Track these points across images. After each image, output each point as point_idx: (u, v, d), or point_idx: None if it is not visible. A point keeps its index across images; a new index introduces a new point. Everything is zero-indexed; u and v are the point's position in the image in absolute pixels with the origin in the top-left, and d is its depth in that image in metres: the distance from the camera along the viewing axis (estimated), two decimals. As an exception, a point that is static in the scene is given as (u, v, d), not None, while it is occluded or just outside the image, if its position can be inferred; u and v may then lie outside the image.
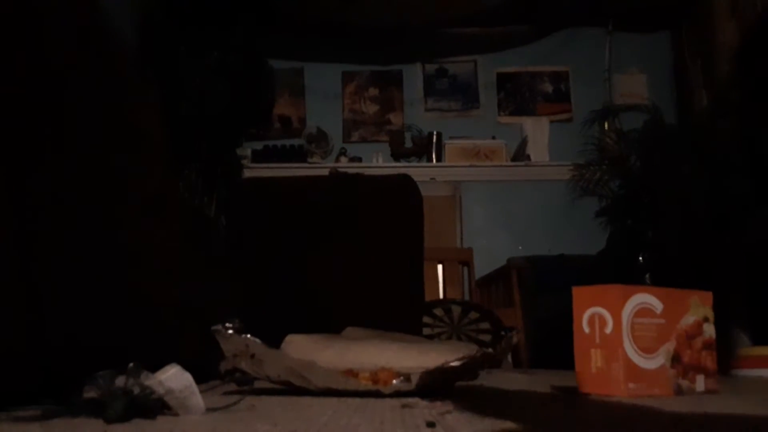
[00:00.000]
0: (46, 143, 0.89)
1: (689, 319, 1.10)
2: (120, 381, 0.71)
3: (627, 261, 2.67)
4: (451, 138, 3.85)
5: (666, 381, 1.05)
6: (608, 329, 1.02)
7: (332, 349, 1.45)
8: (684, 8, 3.59)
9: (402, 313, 1.87)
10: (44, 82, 0.90)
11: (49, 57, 0.92)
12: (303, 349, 1.50)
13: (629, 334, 1.02)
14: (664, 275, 2.46)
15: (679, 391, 1.06)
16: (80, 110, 0.99)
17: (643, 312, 1.04)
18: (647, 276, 2.61)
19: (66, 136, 0.94)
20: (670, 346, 1.06)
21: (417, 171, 3.31)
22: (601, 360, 1.02)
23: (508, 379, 1.59)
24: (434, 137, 3.84)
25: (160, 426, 0.67)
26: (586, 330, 1.04)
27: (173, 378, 0.72)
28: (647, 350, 1.03)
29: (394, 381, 0.99)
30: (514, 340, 1.09)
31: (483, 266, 3.30)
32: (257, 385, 1.12)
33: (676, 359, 1.07)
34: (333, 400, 0.93)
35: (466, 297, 3.26)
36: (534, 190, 3.75)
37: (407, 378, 0.99)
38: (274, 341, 1.58)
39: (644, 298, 1.05)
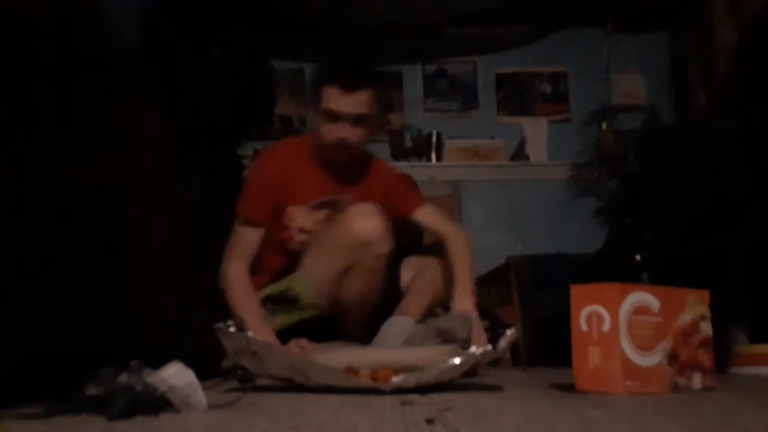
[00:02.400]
0: (46, 143, 0.90)
1: (686, 318, 1.11)
2: (122, 378, 0.72)
3: (625, 260, 2.68)
4: (450, 138, 3.85)
5: (663, 378, 1.06)
6: (606, 327, 1.03)
7: (332, 348, 1.47)
8: (682, 9, 3.60)
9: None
10: (44, 82, 0.91)
11: (49, 57, 0.92)
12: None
13: (627, 331, 1.02)
14: (662, 274, 2.47)
15: (676, 389, 1.07)
16: (81, 110, 0.99)
17: (640, 310, 1.05)
18: (644, 274, 2.62)
19: (66, 136, 0.95)
20: (667, 344, 1.07)
21: (417, 170, 3.31)
22: (598, 357, 1.03)
23: (506, 377, 1.60)
24: (434, 137, 3.84)
25: (163, 422, 0.68)
26: (584, 328, 1.05)
27: (175, 375, 0.73)
28: (644, 348, 1.04)
29: (394, 378, 0.99)
30: (513, 337, 1.09)
31: (482, 265, 3.31)
32: (259, 382, 1.13)
33: (673, 357, 1.07)
34: (334, 397, 0.94)
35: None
36: (533, 190, 3.75)
37: (407, 376, 1.00)
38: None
39: (641, 297, 1.06)
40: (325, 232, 1.66)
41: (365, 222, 1.55)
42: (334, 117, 1.63)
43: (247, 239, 1.66)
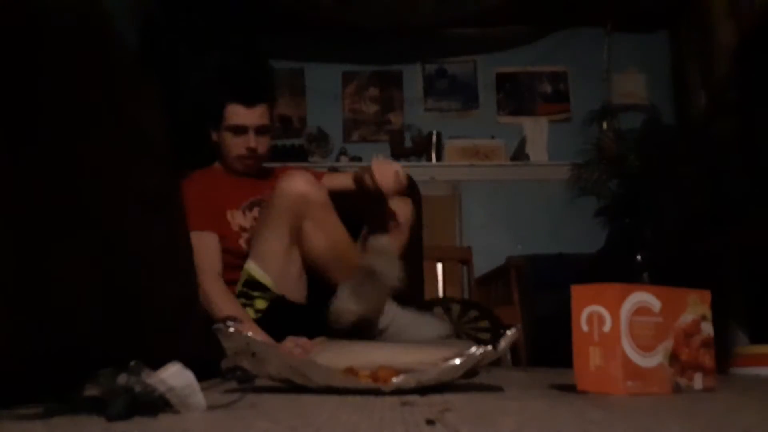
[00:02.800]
0: (46, 143, 0.90)
1: (687, 318, 1.11)
2: (121, 379, 0.72)
3: (625, 260, 2.68)
4: (450, 138, 3.86)
5: (664, 379, 1.06)
6: (606, 327, 1.03)
7: (331, 350, 1.46)
8: (682, 9, 3.60)
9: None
10: (44, 82, 0.91)
11: (49, 57, 0.92)
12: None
13: (627, 332, 1.02)
14: (662, 274, 2.47)
15: (677, 390, 1.07)
16: (80, 110, 0.99)
17: (641, 310, 1.04)
18: (645, 275, 2.62)
19: (66, 137, 0.95)
20: (668, 345, 1.07)
21: (417, 170, 3.31)
22: (599, 358, 1.03)
23: (507, 377, 1.60)
24: (434, 137, 3.85)
25: (162, 423, 0.68)
26: (585, 328, 1.05)
27: (174, 376, 0.73)
28: (645, 348, 1.04)
29: (394, 379, 0.99)
30: (514, 338, 1.09)
31: (482, 265, 3.31)
32: (258, 382, 1.12)
33: (674, 357, 1.07)
34: (333, 398, 0.94)
35: (466, 295, 3.27)
36: (533, 190, 3.75)
37: (407, 376, 1.00)
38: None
39: (642, 297, 1.05)
40: (262, 212, 1.80)
41: (295, 179, 1.67)
42: (240, 131, 1.90)
43: (204, 247, 1.73)
